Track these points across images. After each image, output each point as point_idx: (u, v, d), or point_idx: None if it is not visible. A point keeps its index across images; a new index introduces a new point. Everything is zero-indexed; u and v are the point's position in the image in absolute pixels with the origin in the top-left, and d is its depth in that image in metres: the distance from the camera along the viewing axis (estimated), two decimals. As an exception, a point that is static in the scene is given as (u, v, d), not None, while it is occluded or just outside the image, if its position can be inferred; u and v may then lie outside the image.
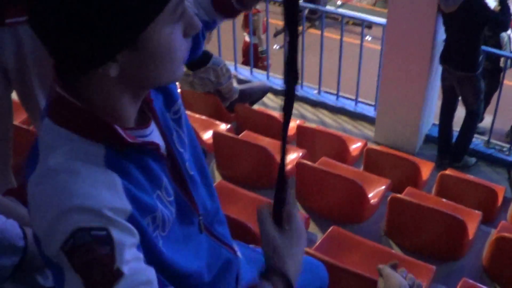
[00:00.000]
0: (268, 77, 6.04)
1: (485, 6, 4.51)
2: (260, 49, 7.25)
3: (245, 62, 7.02)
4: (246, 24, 7.20)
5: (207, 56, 4.24)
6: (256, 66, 6.62)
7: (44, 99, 2.40)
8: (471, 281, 2.58)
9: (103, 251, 0.90)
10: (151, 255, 1.02)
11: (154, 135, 1.12)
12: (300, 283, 1.23)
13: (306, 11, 7.39)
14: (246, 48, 7.22)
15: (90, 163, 0.96)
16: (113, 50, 0.92)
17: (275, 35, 9.44)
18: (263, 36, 7.15)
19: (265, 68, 6.41)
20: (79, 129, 0.98)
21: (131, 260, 0.93)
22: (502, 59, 5.80)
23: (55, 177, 0.94)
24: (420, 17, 4.65)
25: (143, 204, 1.01)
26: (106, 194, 0.94)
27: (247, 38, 7.24)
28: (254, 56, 6.72)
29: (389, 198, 3.19)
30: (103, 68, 0.94)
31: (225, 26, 5.80)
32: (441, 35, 4.73)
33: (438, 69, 4.97)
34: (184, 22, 1.00)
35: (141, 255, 0.96)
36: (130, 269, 0.92)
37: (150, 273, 0.97)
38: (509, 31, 5.89)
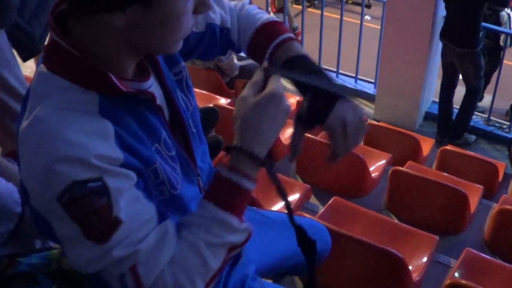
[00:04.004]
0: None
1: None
2: (292, 26, 7.51)
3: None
4: (272, 2, 7.20)
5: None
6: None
7: None
8: (474, 251, 2.57)
9: (101, 202, 0.91)
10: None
11: (153, 89, 1.10)
12: None
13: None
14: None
15: (83, 111, 0.94)
16: (127, 0, 0.91)
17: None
18: (292, 14, 7.32)
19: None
20: (72, 76, 0.96)
21: (129, 204, 0.93)
22: (502, 38, 5.77)
23: (44, 127, 0.92)
24: (420, -8, 4.61)
25: (139, 155, 0.99)
26: (97, 142, 0.92)
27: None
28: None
29: (390, 170, 3.17)
30: (110, 15, 0.92)
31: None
32: (442, 11, 4.68)
33: (438, 46, 4.93)
34: None
35: (140, 193, 0.96)
36: (128, 215, 0.93)
37: (150, 210, 0.97)
38: (508, 10, 5.86)
